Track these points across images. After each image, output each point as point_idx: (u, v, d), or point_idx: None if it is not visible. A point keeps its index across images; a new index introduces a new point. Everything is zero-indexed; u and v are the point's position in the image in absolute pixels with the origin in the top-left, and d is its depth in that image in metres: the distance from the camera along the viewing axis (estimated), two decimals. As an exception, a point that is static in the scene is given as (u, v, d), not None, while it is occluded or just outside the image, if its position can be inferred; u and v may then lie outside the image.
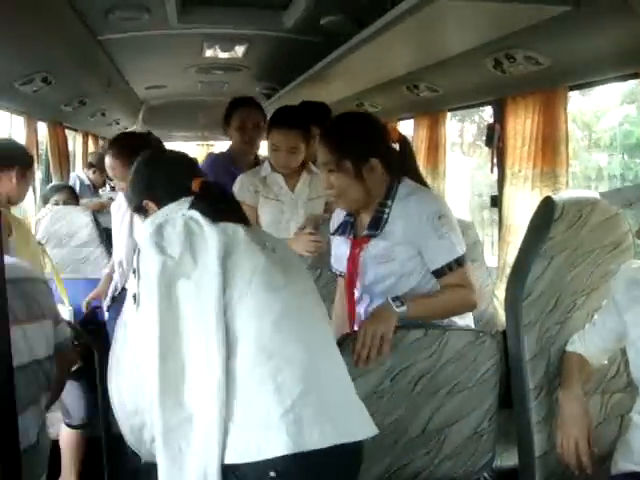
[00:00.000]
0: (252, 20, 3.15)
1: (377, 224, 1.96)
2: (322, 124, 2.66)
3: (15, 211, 2.87)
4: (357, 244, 2.03)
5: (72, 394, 2.55)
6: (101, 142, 6.05)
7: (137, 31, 3.18)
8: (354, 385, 1.72)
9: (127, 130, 6.57)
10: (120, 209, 2.80)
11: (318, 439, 1.38)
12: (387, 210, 1.96)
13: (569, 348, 1.90)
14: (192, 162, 1.81)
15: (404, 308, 1.81)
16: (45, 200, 3.98)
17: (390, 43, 2.67)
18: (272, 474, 1.36)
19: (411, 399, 1.84)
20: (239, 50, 3.82)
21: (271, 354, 1.42)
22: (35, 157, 3.79)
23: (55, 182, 4.42)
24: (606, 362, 1.93)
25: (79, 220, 3.55)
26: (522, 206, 2.74)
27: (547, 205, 2.00)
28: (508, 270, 2.75)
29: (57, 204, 3.82)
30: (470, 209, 7.12)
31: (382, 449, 1.83)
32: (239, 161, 3.11)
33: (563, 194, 2.15)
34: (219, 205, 1.59)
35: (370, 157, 1.93)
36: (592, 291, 1.98)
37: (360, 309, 2.05)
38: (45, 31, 2.54)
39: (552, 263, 1.98)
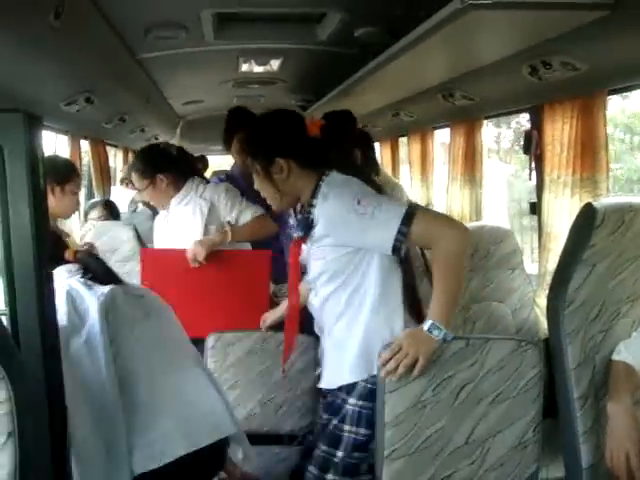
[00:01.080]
0: (286, 34, 3.19)
1: (304, 226, 1.93)
2: (348, 132, 2.69)
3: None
4: (297, 243, 2.02)
5: None
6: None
7: (174, 49, 3.25)
8: (397, 395, 1.74)
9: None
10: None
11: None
12: (313, 210, 1.89)
13: (615, 357, 1.86)
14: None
15: (442, 332, 1.79)
16: (85, 216, 4.09)
17: (425, 53, 2.67)
18: None
19: (454, 409, 1.83)
20: (274, 64, 3.87)
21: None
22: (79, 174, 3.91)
23: (97, 198, 4.54)
24: None
25: (121, 235, 3.63)
26: (562, 213, 2.71)
27: (588, 212, 1.98)
28: (549, 277, 2.72)
29: (98, 219, 3.90)
30: (509, 216, 7.05)
31: (425, 460, 1.83)
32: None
33: (604, 200, 2.13)
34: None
35: (275, 157, 1.87)
36: (637, 299, 1.95)
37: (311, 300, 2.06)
38: (87, 52, 2.62)
39: (594, 270, 1.95)
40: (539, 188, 2.93)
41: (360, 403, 1.90)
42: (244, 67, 3.91)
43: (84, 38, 2.47)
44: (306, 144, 1.92)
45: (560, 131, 2.68)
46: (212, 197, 2.79)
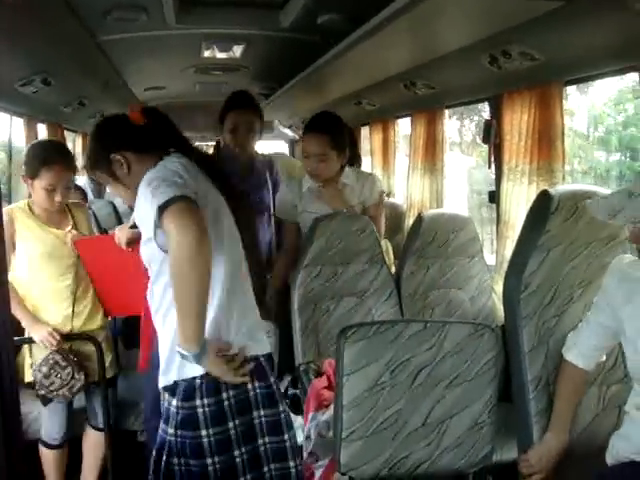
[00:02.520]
0: (249, 20, 3.16)
1: None
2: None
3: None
4: None
5: (98, 398, 2.63)
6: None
7: (135, 32, 3.19)
8: (355, 377, 1.76)
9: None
10: None
11: None
12: None
13: (567, 356, 1.91)
14: None
15: (189, 356, 1.67)
16: None
17: (387, 41, 2.68)
18: None
19: (411, 392, 1.85)
20: (237, 50, 3.83)
21: None
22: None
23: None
24: (604, 358, 1.95)
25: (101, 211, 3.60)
26: (519, 201, 2.76)
27: (544, 199, 2.02)
28: (506, 265, 2.76)
29: None
30: (469, 207, 7.14)
31: (383, 441, 1.85)
32: (233, 161, 3.13)
33: (559, 187, 2.18)
34: None
35: (110, 154, 1.82)
36: (589, 283, 2.01)
37: None
38: (44, 32, 2.56)
39: (549, 256, 2.00)
40: (498, 177, 2.97)
41: (181, 404, 1.73)
42: (206, 53, 3.85)
43: (41, 17, 2.41)
44: (134, 133, 1.86)
45: (518, 120, 2.72)
46: None
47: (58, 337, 2.49)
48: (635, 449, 1.71)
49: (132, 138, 1.86)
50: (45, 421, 2.65)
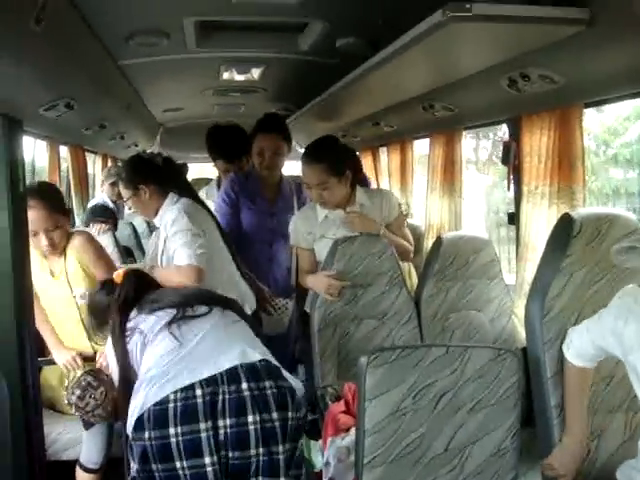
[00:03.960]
0: (269, 43, 3.20)
1: None
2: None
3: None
4: None
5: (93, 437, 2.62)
6: (119, 164, 6.15)
7: (156, 56, 3.25)
8: (377, 402, 1.75)
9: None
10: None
11: None
12: None
13: (567, 355, 1.89)
14: None
15: None
16: (87, 223, 4.09)
17: (405, 64, 2.70)
18: None
19: (433, 417, 1.84)
20: (255, 72, 3.87)
21: None
22: (57, 179, 3.87)
23: (91, 203, 4.56)
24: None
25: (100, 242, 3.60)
26: (539, 223, 2.74)
27: (565, 222, 2.02)
28: (526, 287, 2.76)
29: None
30: (487, 227, 7.11)
31: (405, 467, 1.84)
32: (262, 182, 3.16)
33: (581, 210, 2.17)
34: None
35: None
36: (612, 307, 1.98)
37: None
38: (68, 57, 2.60)
39: (572, 280, 1.99)
40: (517, 198, 2.96)
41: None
42: (225, 75, 3.91)
43: (65, 43, 2.45)
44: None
45: (538, 142, 2.72)
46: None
47: (80, 362, 2.51)
48: None
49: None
50: (85, 444, 2.62)
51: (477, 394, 1.87)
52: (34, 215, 2.39)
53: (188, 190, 2.74)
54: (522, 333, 2.81)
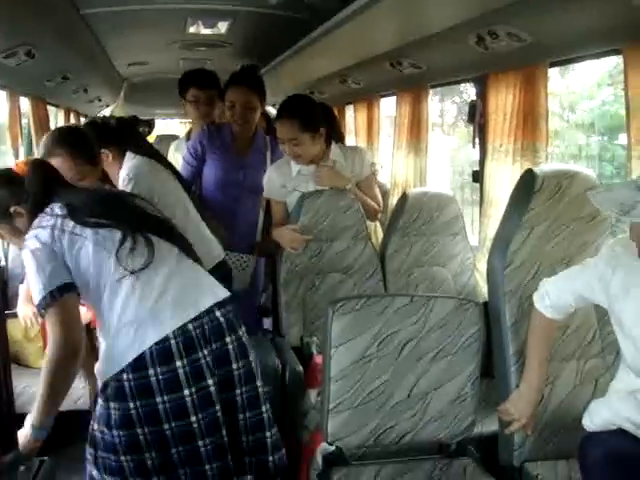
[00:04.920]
0: (236, -5, 3.15)
1: None
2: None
3: None
4: None
5: None
6: (82, 119, 6.00)
7: (120, 5, 3.16)
8: (342, 349, 1.80)
9: (109, 108, 6.55)
10: None
11: None
12: None
13: (538, 305, 1.90)
14: None
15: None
16: None
17: (374, 20, 2.69)
18: None
19: (397, 364, 1.90)
20: (222, 26, 3.80)
21: None
22: (18, 132, 3.78)
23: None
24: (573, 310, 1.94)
25: None
26: (503, 180, 2.80)
27: (528, 177, 2.07)
28: (489, 243, 2.82)
29: None
30: (451, 188, 7.19)
31: (369, 412, 1.90)
32: (234, 135, 3.13)
33: (543, 167, 2.22)
34: None
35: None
36: (570, 260, 2.06)
37: None
38: (28, 3, 2.53)
39: (532, 233, 2.05)
40: (482, 156, 3.01)
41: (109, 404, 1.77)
42: (192, 29, 3.83)
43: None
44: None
45: (504, 101, 2.75)
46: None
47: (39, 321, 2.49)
48: (621, 420, 1.75)
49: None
50: None
51: (440, 343, 1.94)
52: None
53: (145, 148, 2.69)
54: (483, 288, 2.89)
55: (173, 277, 1.84)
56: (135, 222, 1.88)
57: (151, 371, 1.73)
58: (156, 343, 1.74)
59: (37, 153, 4.41)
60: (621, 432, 1.73)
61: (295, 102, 2.77)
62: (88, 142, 2.42)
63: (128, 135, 2.67)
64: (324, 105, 2.88)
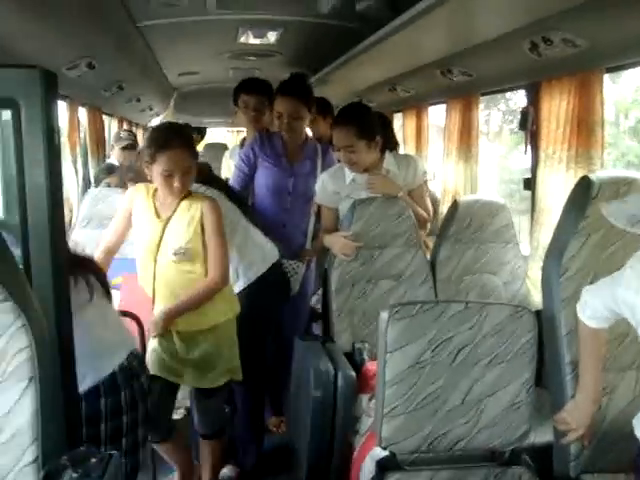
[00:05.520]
0: (287, 5, 3.20)
1: None
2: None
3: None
4: None
5: None
6: (134, 128, 6.17)
7: (175, 17, 3.26)
8: (398, 355, 1.81)
9: (159, 117, 6.70)
10: None
11: None
12: None
13: (580, 316, 1.87)
14: None
15: None
16: (97, 181, 4.04)
17: (425, 28, 2.70)
18: None
19: (451, 370, 1.90)
20: (272, 36, 3.87)
21: None
22: (77, 140, 3.91)
23: (102, 164, 4.51)
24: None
25: (119, 202, 3.62)
26: (556, 187, 2.77)
27: (584, 184, 2.05)
28: (541, 251, 2.80)
29: (109, 186, 3.73)
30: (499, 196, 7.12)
31: (423, 418, 1.89)
32: (284, 142, 3.17)
33: (600, 173, 2.19)
34: None
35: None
36: (628, 269, 2.02)
37: None
38: (91, 17, 2.63)
39: (588, 241, 2.03)
40: (534, 164, 2.99)
41: None
42: (242, 38, 3.91)
43: (88, 3, 2.48)
44: None
45: (557, 107, 2.73)
46: None
47: None
48: None
49: None
50: None
51: (494, 349, 1.92)
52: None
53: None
54: (535, 297, 2.87)
55: None
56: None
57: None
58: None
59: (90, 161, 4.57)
60: None
61: (352, 109, 2.80)
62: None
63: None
64: (380, 113, 2.89)
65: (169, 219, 2.42)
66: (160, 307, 2.49)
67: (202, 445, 2.69)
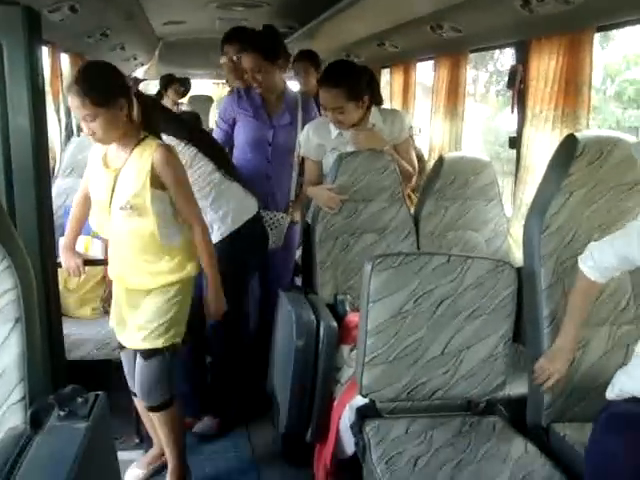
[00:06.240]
0: (277, -46, 3.14)
1: None
2: None
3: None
4: None
5: None
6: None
7: (162, -39, 3.18)
8: (380, 305, 1.84)
9: (144, 67, 6.57)
10: None
11: None
12: None
13: (583, 267, 1.91)
14: None
15: None
16: (80, 129, 3.97)
17: (416, -20, 2.67)
18: None
19: (432, 321, 1.94)
20: (261, -15, 3.80)
21: None
22: (59, 88, 3.83)
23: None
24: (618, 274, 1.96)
25: None
26: (541, 146, 2.79)
27: (569, 142, 2.06)
28: (524, 209, 2.83)
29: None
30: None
31: (403, 367, 1.95)
32: (263, 95, 3.15)
33: (585, 132, 2.21)
34: None
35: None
36: (608, 227, 2.06)
37: None
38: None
39: (571, 198, 2.05)
40: (520, 122, 2.99)
41: None
42: (230, -13, 3.83)
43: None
44: None
45: (546, 66, 2.73)
46: None
47: (82, 270, 2.44)
48: (638, 387, 1.79)
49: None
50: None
51: (474, 302, 1.97)
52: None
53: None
54: (516, 255, 2.91)
55: None
56: None
57: None
58: None
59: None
60: (634, 400, 1.76)
61: (340, 69, 2.74)
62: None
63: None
64: (366, 68, 2.86)
65: (119, 170, 2.20)
66: (115, 267, 2.35)
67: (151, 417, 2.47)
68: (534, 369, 2.02)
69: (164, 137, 2.34)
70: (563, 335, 1.96)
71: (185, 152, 2.51)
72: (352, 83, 2.67)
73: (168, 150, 2.19)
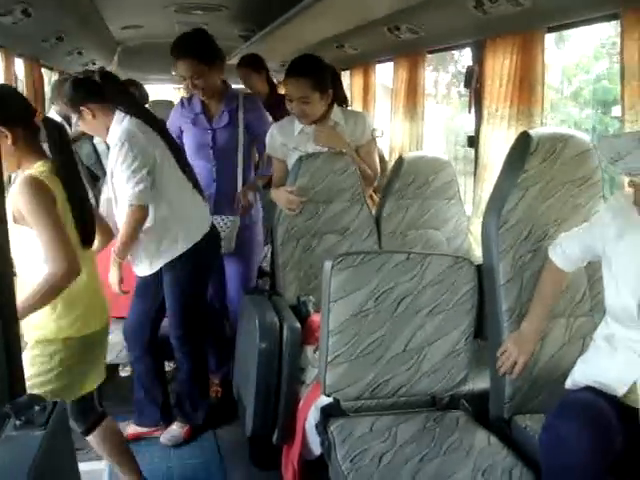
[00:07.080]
0: (233, -43, 3.14)
1: None
2: None
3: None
4: None
5: None
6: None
7: (118, -36, 3.15)
8: (341, 304, 1.85)
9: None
10: None
11: None
12: None
13: (552, 255, 2.02)
14: None
15: None
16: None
17: (373, -18, 2.70)
18: None
19: (394, 319, 1.96)
20: (219, -11, 3.80)
21: None
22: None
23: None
24: (585, 264, 2.05)
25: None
26: (498, 144, 2.84)
27: (523, 139, 2.10)
28: (483, 206, 2.86)
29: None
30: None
31: (366, 365, 1.96)
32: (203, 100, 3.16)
33: (539, 129, 2.25)
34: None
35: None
36: (563, 222, 2.10)
37: None
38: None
39: (527, 194, 2.09)
40: (477, 121, 3.04)
41: None
42: (188, -9, 3.82)
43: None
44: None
45: (500, 66, 2.78)
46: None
47: None
48: (593, 376, 1.83)
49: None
50: None
51: (435, 299, 1.99)
52: None
53: (136, 106, 2.63)
54: (477, 252, 2.95)
55: None
56: None
57: None
58: None
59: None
60: (589, 389, 1.81)
61: (307, 61, 2.77)
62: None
63: (116, 91, 2.59)
64: (330, 66, 2.88)
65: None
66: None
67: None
68: (497, 355, 2.04)
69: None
70: (530, 317, 2.01)
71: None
72: (317, 73, 2.69)
73: (28, 177, 1.87)
